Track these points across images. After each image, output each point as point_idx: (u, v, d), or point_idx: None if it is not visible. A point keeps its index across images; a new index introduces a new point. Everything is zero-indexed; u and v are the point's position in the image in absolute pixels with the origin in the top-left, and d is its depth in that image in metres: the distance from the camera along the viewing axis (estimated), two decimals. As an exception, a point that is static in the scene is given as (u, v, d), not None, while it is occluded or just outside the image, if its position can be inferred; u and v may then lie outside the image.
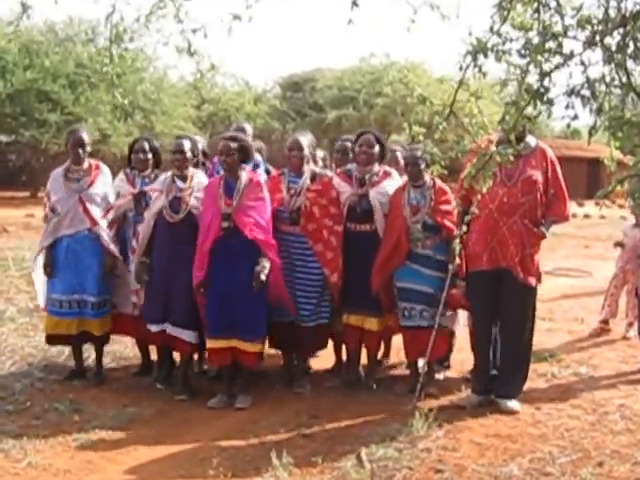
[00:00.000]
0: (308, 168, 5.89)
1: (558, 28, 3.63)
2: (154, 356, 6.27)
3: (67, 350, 6.39)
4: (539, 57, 3.57)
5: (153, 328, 5.73)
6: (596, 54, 3.57)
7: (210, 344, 5.55)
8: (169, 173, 5.80)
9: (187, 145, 5.73)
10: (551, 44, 3.62)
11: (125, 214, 6.04)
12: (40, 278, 6.11)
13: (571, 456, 4.62)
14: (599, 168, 27.81)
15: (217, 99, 33.94)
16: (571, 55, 3.61)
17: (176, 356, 6.07)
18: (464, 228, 4.90)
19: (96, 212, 5.87)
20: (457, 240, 4.80)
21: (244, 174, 5.54)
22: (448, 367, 6.36)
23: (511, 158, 3.97)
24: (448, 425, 5.05)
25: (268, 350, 6.10)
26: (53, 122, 23.81)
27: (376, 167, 5.95)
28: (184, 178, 5.72)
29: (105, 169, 6.06)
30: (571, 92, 3.60)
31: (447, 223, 5.66)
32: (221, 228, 5.42)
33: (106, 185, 6.00)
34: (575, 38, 3.61)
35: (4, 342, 6.92)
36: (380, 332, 5.95)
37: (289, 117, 33.63)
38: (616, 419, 5.30)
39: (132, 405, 5.54)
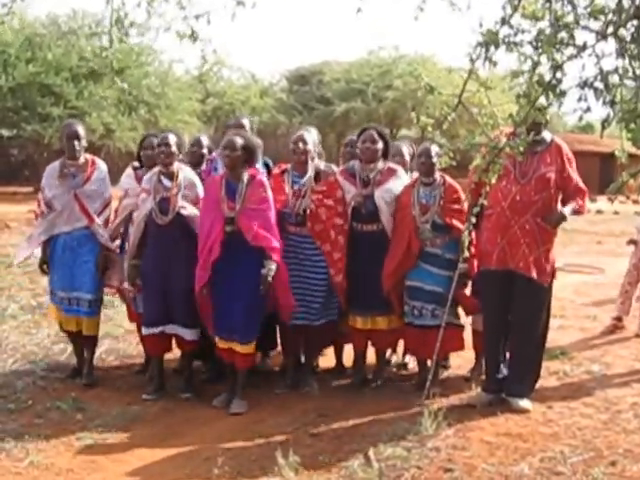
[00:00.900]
0: (312, 165, 5.70)
1: (570, 18, 3.57)
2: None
3: (69, 348, 6.33)
4: (551, 48, 3.51)
5: (153, 330, 5.60)
6: (609, 45, 3.54)
7: (220, 344, 5.45)
8: (156, 169, 5.63)
9: (172, 139, 5.56)
10: (563, 35, 3.57)
11: (131, 213, 5.94)
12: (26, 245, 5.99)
13: (583, 455, 4.56)
14: (612, 163, 27.58)
15: (222, 92, 33.85)
16: (584, 47, 3.56)
17: (167, 367, 5.90)
18: (472, 220, 4.79)
19: (93, 209, 5.80)
20: (466, 233, 4.73)
21: (245, 174, 5.38)
22: (446, 367, 6.23)
23: (521, 149, 3.91)
24: (458, 424, 4.98)
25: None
26: (56, 116, 23.37)
27: (380, 164, 5.76)
28: (170, 175, 5.56)
29: (102, 165, 5.95)
30: (584, 84, 3.56)
31: (456, 224, 5.53)
32: (224, 232, 5.28)
33: (103, 181, 5.90)
34: (588, 29, 3.55)
35: (6, 340, 6.87)
36: (388, 331, 5.82)
37: (296, 111, 33.43)
38: (629, 417, 5.24)
39: (135, 404, 5.47)
